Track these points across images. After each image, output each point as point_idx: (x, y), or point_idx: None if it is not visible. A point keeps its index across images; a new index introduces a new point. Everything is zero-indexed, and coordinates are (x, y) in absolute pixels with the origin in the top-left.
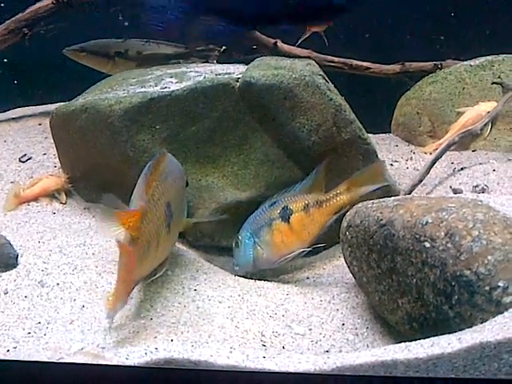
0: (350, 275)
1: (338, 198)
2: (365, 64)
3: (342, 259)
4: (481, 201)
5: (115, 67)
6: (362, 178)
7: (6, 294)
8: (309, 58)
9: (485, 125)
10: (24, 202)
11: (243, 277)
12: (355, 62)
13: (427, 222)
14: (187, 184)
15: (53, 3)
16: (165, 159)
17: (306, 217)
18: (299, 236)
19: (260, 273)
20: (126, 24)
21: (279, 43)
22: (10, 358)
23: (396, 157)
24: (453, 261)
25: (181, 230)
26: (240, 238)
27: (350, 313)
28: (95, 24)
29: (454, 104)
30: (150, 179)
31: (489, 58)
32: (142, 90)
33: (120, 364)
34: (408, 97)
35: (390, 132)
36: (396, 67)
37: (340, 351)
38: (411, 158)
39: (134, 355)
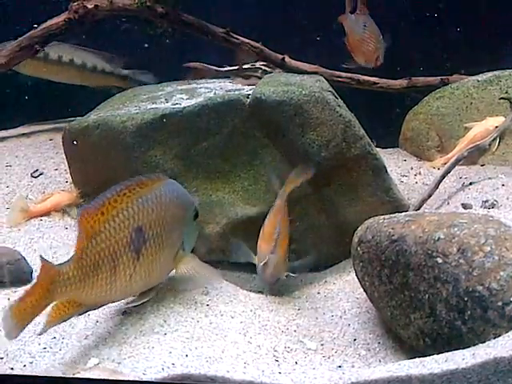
0: (361, 290)
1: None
2: (372, 79)
3: (353, 274)
4: (492, 216)
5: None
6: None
7: None
8: (316, 73)
9: (493, 139)
10: (36, 217)
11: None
12: (362, 77)
13: (439, 238)
14: (196, 216)
15: (65, 21)
16: (157, 184)
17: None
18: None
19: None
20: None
21: (287, 58)
22: (27, 374)
23: (405, 171)
24: (465, 276)
25: (174, 266)
26: None
27: (361, 328)
28: None
29: (461, 119)
30: (113, 199)
31: (496, 73)
32: (154, 106)
33: (137, 379)
34: (416, 112)
35: (397, 146)
36: (403, 82)
37: (352, 366)
38: (420, 173)
39: (152, 370)
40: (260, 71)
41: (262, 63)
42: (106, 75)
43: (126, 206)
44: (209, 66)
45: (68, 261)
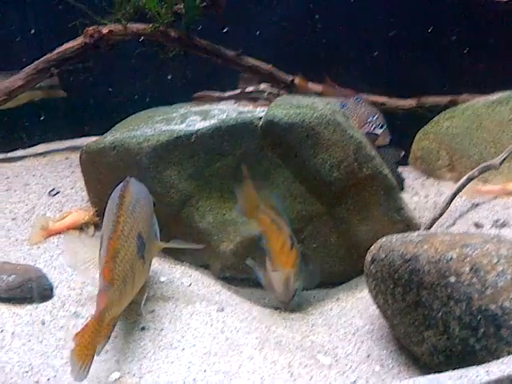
0: (374, 307)
1: None
2: (380, 99)
3: (365, 291)
4: (504, 236)
5: None
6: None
7: (43, 324)
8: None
9: (504, 159)
10: (54, 235)
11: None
12: (371, 98)
13: (452, 258)
14: (155, 203)
15: (80, 45)
16: (130, 187)
17: None
18: None
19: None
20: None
21: (296, 80)
22: None
23: (416, 190)
24: (478, 295)
25: (154, 254)
26: None
27: (374, 344)
28: None
29: (471, 138)
30: (117, 214)
31: (505, 93)
32: (169, 127)
33: None
34: (426, 131)
35: (407, 165)
36: (412, 102)
37: (367, 382)
38: (431, 192)
39: None
40: (266, 93)
41: (264, 85)
42: (32, 89)
43: (125, 218)
44: (212, 92)
45: (107, 287)
